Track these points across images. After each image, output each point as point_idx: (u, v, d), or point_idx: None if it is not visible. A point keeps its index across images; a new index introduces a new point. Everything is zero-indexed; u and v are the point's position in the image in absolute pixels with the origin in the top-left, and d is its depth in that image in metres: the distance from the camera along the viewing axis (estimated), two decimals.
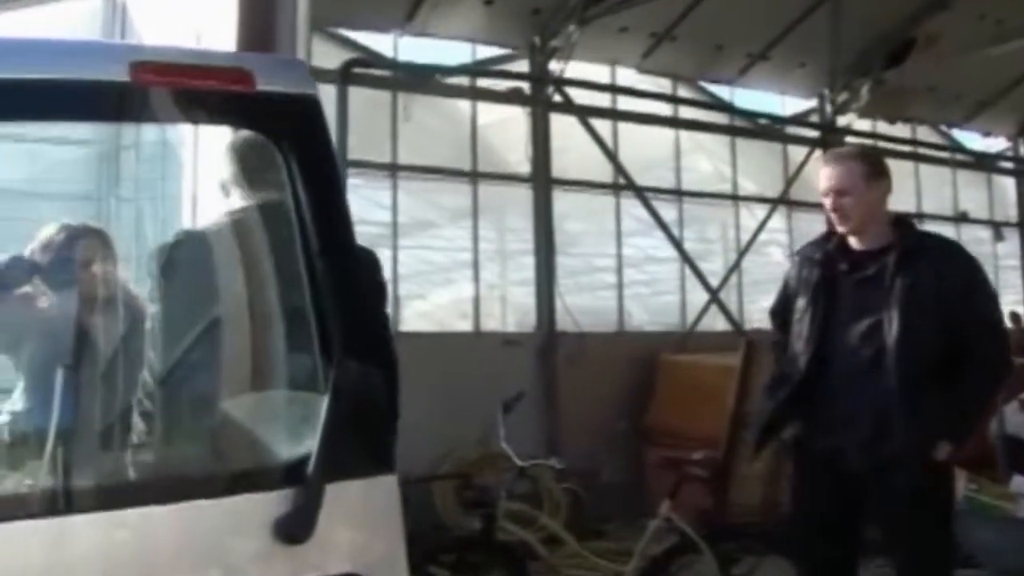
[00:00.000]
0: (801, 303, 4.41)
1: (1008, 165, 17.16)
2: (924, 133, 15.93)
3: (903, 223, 4.45)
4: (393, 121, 11.30)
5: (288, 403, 2.82)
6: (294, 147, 2.49)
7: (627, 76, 13.03)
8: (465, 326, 11.79)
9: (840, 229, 4.34)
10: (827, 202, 4.32)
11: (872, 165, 4.37)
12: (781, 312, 4.63)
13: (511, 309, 12.24)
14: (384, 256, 10.81)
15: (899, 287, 4.17)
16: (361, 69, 10.88)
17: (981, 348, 4.20)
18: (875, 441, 4.19)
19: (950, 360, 4.18)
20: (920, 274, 4.18)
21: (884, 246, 4.29)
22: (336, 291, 2.59)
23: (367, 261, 3.57)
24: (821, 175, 4.40)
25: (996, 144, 17.04)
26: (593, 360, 11.33)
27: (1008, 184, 17.16)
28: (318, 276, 2.58)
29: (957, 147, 16.37)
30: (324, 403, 2.56)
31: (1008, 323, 7.25)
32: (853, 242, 4.35)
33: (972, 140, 16.73)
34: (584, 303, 12.46)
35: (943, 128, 16.23)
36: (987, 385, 4.39)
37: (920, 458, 4.13)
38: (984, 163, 16.68)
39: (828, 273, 4.36)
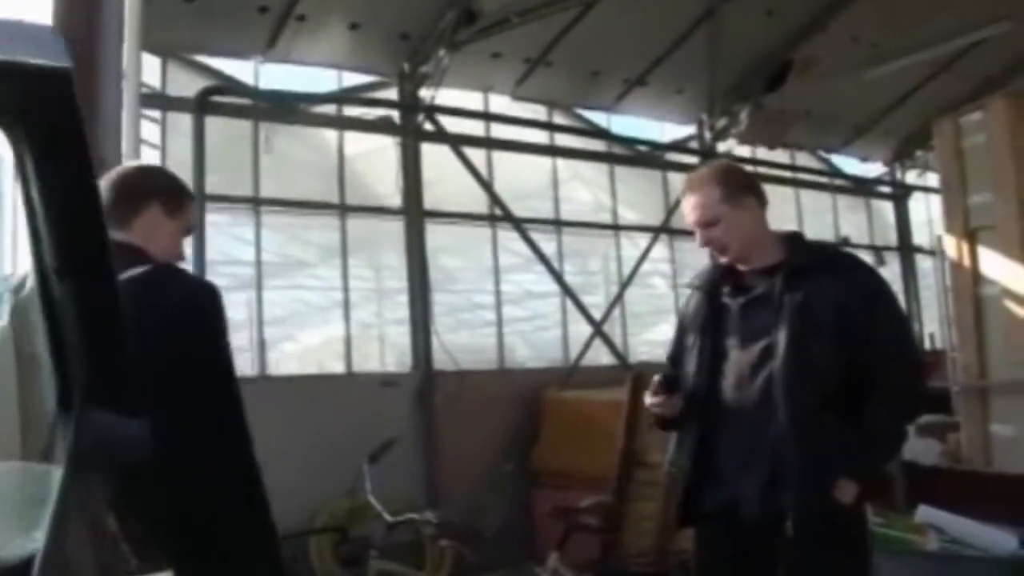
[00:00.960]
0: (690, 339, 4.08)
1: (886, 189, 17.29)
2: (803, 159, 15.94)
3: (794, 238, 4.11)
4: (255, 152, 10.81)
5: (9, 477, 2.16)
6: (33, 133, 1.81)
7: (501, 103, 12.73)
8: (340, 368, 11.28)
9: (724, 260, 4.04)
10: (698, 236, 4.00)
11: (730, 184, 3.97)
12: (678, 357, 4.22)
13: (389, 349, 11.82)
14: (248, 297, 10.46)
15: (788, 305, 3.79)
16: (219, 97, 10.48)
17: (888, 374, 3.77)
18: (772, 488, 3.77)
19: (853, 388, 3.77)
20: (813, 289, 3.79)
21: (773, 264, 3.94)
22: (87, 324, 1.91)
23: (199, 296, 2.99)
24: (683, 206, 4.07)
25: (873, 169, 17.20)
26: (474, 399, 11.01)
27: (886, 208, 17.27)
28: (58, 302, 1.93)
29: (836, 172, 16.45)
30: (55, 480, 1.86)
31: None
32: (741, 265, 4.03)
33: (850, 165, 16.87)
34: (463, 341, 12.12)
35: (821, 154, 16.27)
36: (896, 418, 3.93)
37: (821, 503, 3.69)
38: (863, 188, 16.80)
39: (715, 301, 4.03)
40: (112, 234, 2.36)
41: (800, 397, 3.70)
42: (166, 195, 3.33)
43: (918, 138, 16.34)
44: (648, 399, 4.00)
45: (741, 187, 3.98)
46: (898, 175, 17.31)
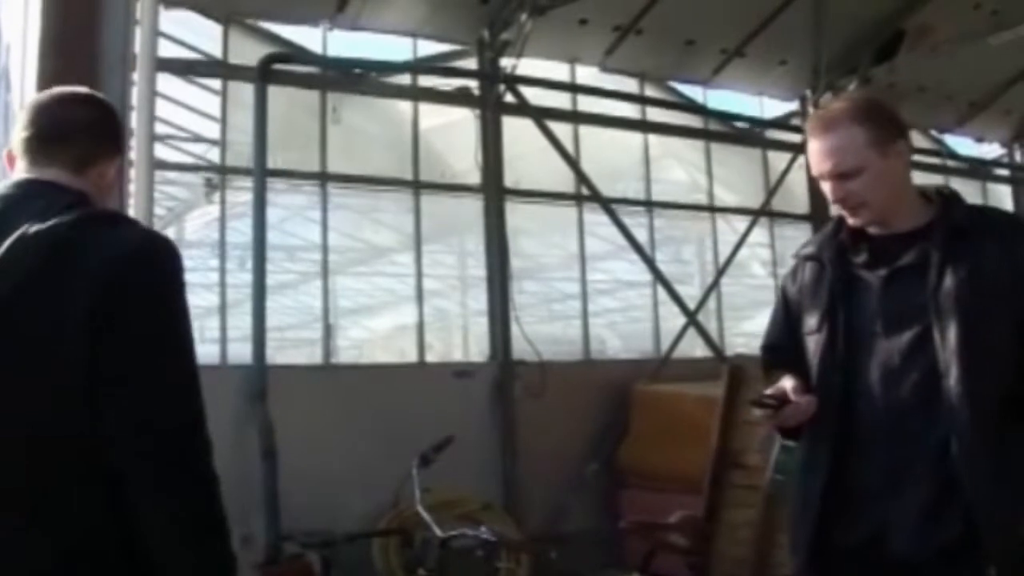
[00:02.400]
0: (812, 322, 3.20)
1: (1004, 172, 16.34)
2: (914, 139, 14.73)
3: (946, 195, 3.18)
4: (322, 125, 10.28)
5: None
6: None
7: (588, 74, 12.04)
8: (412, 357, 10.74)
9: (854, 222, 3.15)
10: (827, 189, 3.12)
11: (879, 124, 3.09)
12: (781, 344, 3.37)
13: (473, 340, 11.31)
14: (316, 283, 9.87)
15: (951, 281, 2.96)
16: (284, 66, 9.99)
17: None
18: (935, 516, 2.95)
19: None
20: (982, 260, 2.96)
21: (920, 226, 3.09)
22: None
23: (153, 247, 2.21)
24: (811, 153, 3.15)
25: (991, 150, 16.25)
26: (557, 392, 10.50)
27: (1004, 193, 16.29)
28: None
29: (950, 153, 15.54)
30: None
31: None
32: (873, 228, 3.15)
33: (964, 146, 15.92)
34: (547, 330, 11.64)
35: (934, 133, 15.40)
36: None
37: (1010, 538, 2.89)
38: (979, 171, 15.86)
39: (844, 273, 3.16)
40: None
41: (983, 398, 2.90)
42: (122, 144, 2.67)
43: None
44: (757, 413, 3.17)
45: (892, 128, 3.11)
46: (1017, 157, 16.35)
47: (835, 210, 3.18)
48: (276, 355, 9.72)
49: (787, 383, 3.09)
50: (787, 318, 3.33)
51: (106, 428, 2.03)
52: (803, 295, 3.28)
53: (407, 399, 9.57)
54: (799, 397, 3.04)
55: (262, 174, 9.49)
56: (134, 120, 4.86)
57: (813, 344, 3.18)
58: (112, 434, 2.03)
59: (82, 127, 2.42)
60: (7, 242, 2.08)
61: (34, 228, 2.10)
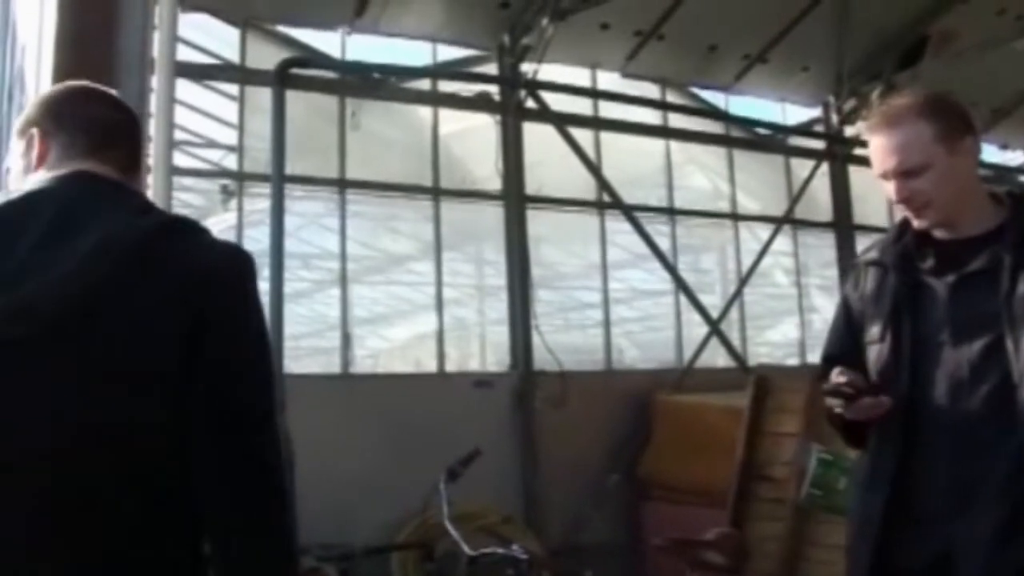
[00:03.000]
0: (874, 331, 3.03)
1: None
2: None
3: (1016, 196, 2.99)
4: (340, 130, 10.17)
5: None
6: None
7: (610, 80, 11.94)
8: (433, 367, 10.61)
9: (919, 224, 2.97)
10: (891, 188, 2.94)
11: (947, 120, 2.91)
12: (842, 354, 3.13)
13: (491, 349, 11.17)
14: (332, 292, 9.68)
15: None
16: (302, 70, 9.85)
17: None
18: (1009, 538, 2.74)
19: None
20: None
21: (990, 230, 2.90)
22: None
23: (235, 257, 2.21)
24: (874, 149, 2.96)
25: (1014, 158, 16.13)
26: (578, 402, 10.37)
27: None
28: None
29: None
30: None
31: None
32: (939, 231, 2.97)
33: (988, 154, 15.63)
34: (568, 340, 11.43)
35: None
36: None
37: None
38: (1003, 178, 15.48)
39: (909, 279, 2.98)
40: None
41: None
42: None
43: None
44: (833, 400, 2.93)
45: (960, 124, 2.93)
46: None
47: (899, 212, 3.05)
48: (291, 364, 9.59)
49: (855, 377, 2.94)
50: (849, 327, 3.16)
51: (195, 416, 2.02)
52: (865, 302, 3.12)
53: (426, 409, 9.43)
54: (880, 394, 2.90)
55: (280, 180, 9.34)
56: (152, 126, 4.72)
57: (875, 354, 3.03)
58: (201, 419, 2.02)
59: (129, 127, 2.37)
60: (93, 240, 2.01)
61: (120, 229, 2.05)
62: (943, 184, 2.89)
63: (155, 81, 4.77)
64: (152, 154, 4.63)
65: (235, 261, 2.17)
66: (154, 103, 4.75)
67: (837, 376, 2.90)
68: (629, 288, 12.38)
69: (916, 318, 2.95)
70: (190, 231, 2.18)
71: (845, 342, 3.16)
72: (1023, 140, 15.82)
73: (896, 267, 3.03)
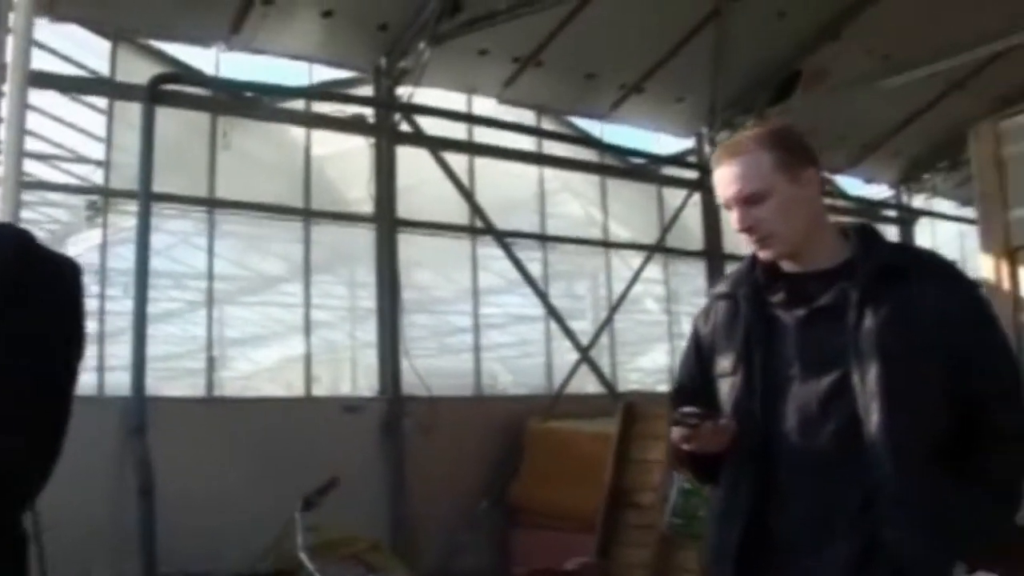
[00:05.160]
0: (726, 363, 3.08)
1: (892, 213, 16.83)
2: None
3: (865, 231, 3.07)
4: (211, 149, 10.05)
5: None
6: None
7: (486, 106, 12.04)
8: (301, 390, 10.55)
9: (764, 255, 3.03)
10: (734, 218, 3.01)
11: (788, 149, 2.98)
12: (692, 387, 3.21)
13: (362, 374, 11.07)
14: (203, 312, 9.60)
15: (872, 322, 2.84)
16: (174, 86, 9.73)
17: (1002, 415, 2.88)
18: (862, 568, 2.83)
19: (957, 433, 2.88)
20: (903, 299, 2.87)
21: (838, 265, 2.98)
22: None
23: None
24: (717, 180, 3.04)
25: (879, 192, 16.78)
26: (448, 428, 10.40)
27: (891, 233, 16.48)
28: None
29: (840, 193, 15.94)
30: None
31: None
32: (787, 263, 3.04)
33: (855, 187, 16.43)
34: (440, 365, 11.50)
35: (826, 174, 15.33)
36: (1017, 471, 3.00)
37: None
38: (868, 211, 16.25)
39: (761, 313, 3.03)
40: None
41: (906, 444, 2.80)
42: None
43: (927, 160, 16.12)
44: (676, 432, 2.94)
45: (801, 154, 2.99)
46: (904, 199, 16.89)
47: (745, 244, 3.07)
48: (162, 386, 9.54)
49: (688, 408, 2.95)
50: (699, 359, 3.21)
51: None
52: (716, 335, 3.16)
53: (293, 434, 9.37)
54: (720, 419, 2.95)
55: (147, 198, 9.19)
56: (2, 133, 4.63)
57: (728, 386, 3.08)
58: None
59: None
60: None
61: None
62: (785, 214, 2.95)
63: (7, 87, 4.69)
64: (1, 163, 4.54)
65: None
66: (4, 109, 4.66)
67: (682, 410, 2.93)
68: (504, 313, 12.49)
69: (767, 352, 2.99)
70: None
71: (695, 374, 3.21)
72: (888, 174, 16.49)
73: (747, 300, 3.07)
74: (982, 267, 7.67)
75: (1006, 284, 7.34)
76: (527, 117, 12.41)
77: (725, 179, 2.98)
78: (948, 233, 16.97)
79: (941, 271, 3.01)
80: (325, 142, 10.84)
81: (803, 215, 2.97)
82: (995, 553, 2.95)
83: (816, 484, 2.87)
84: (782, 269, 3.05)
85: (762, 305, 3.04)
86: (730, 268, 12.70)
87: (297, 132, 10.74)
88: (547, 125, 12.63)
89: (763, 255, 3.02)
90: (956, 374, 2.85)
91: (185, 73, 9.94)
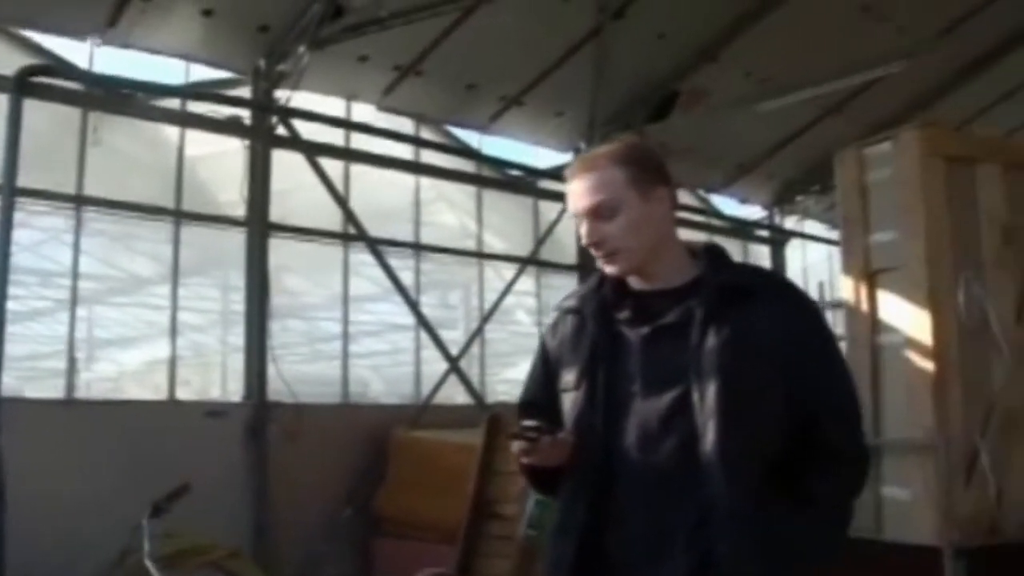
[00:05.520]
0: (570, 378, 3.19)
1: (764, 233, 17.50)
2: (682, 197, 15.42)
3: (713, 251, 3.26)
4: (81, 145, 10.12)
5: None
6: None
7: (365, 112, 12.36)
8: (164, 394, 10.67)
9: (610, 270, 3.17)
10: (583, 232, 3.15)
11: (640, 166, 3.13)
12: (538, 401, 3.34)
13: (233, 378, 11.22)
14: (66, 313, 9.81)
15: (714, 341, 2.99)
16: (44, 78, 9.73)
17: (839, 437, 3.09)
18: None
19: (793, 453, 3.05)
20: (746, 320, 3.02)
21: (686, 283, 3.14)
22: None
23: None
24: (570, 193, 3.18)
25: (752, 212, 17.43)
26: (313, 436, 10.60)
27: (763, 253, 17.42)
28: None
29: (715, 212, 16.60)
30: None
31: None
32: (635, 281, 3.20)
33: (729, 207, 17.08)
34: (309, 371, 11.83)
35: (701, 193, 16.41)
36: (849, 492, 3.19)
37: None
38: (742, 231, 16.94)
39: (607, 329, 3.17)
40: None
41: (740, 462, 2.95)
42: None
43: (800, 182, 16.84)
44: (516, 446, 3.06)
45: (654, 172, 3.15)
46: (776, 220, 17.62)
47: (598, 259, 3.17)
48: (25, 386, 9.56)
49: (527, 422, 3.05)
50: (545, 373, 3.29)
51: None
52: (563, 349, 3.25)
53: (157, 438, 9.39)
54: (559, 432, 3.03)
55: (11, 193, 9.17)
56: None
57: (570, 402, 3.16)
58: None
59: None
60: None
61: None
62: (634, 230, 3.06)
63: None
64: None
65: None
66: None
67: (523, 423, 3.01)
68: (377, 321, 12.80)
69: (611, 368, 3.08)
70: None
71: (541, 388, 3.30)
72: (762, 195, 17.15)
73: (594, 317, 3.17)
74: (843, 289, 7.93)
75: (865, 306, 7.56)
76: (406, 125, 12.72)
77: (577, 192, 3.11)
78: (818, 254, 17.78)
79: (784, 292, 3.18)
80: (199, 142, 10.95)
81: (652, 232, 3.10)
82: (824, 573, 3.08)
83: (654, 500, 2.97)
84: (630, 286, 3.18)
85: (608, 322, 3.14)
86: None
87: (171, 131, 10.84)
88: (426, 134, 12.92)
89: (609, 270, 3.14)
90: (795, 395, 2.98)
91: (56, 66, 9.96)
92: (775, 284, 3.27)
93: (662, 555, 2.95)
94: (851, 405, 3.18)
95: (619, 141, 3.27)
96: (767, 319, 3.01)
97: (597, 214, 3.08)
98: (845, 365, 3.24)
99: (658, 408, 3.02)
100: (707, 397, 2.94)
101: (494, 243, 13.73)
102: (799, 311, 3.14)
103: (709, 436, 2.92)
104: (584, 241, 3.14)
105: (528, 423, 3.01)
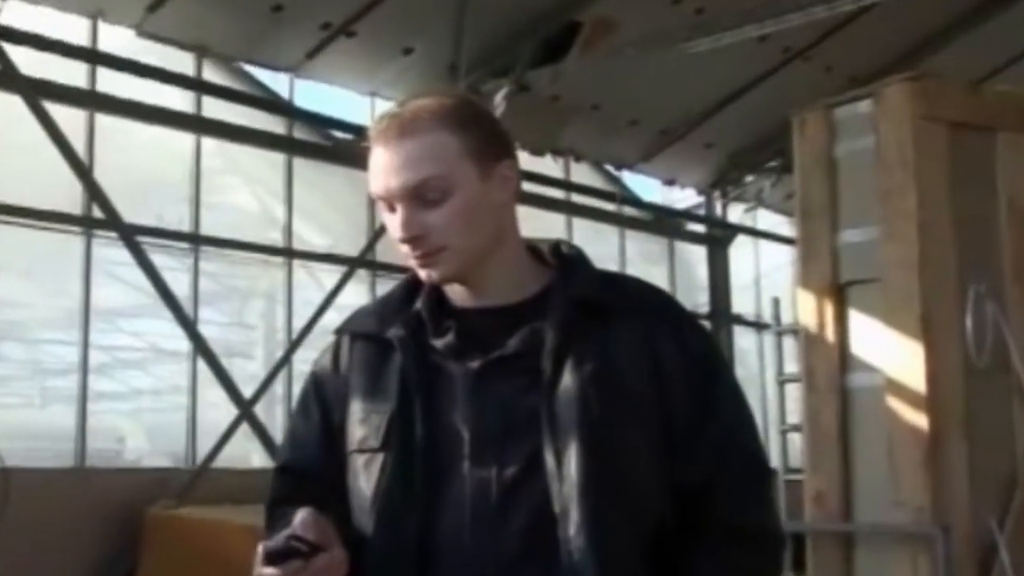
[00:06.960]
0: (364, 433, 2.88)
1: (699, 228, 17.39)
2: (582, 174, 15.80)
3: (565, 253, 3.00)
4: None
5: None
6: None
7: (119, 39, 11.73)
8: None
9: (427, 277, 2.86)
10: (394, 223, 2.82)
11: (483, 133, 2.85)
12: (307, 469, 3.00)
13: None
14: None
15: (572, 379, 2.76)
16: None
17: (737, 506, 2.92)
18: None
19: (676, 524, 2.89)
20: (613, 349, 2.82)
21: (529, 298, 2.89)
22: None
23: None
24: (375, 164, 2.80)
25: (682, 198, 17.27)
26: (29, 514, 10.07)
27: (697, 256, 17.38)
28: None
29: (629, 197, 16.40)
30: None
31: None
32: (460, 295, 2.91)
33: (649, 189, 16.95)
34: (30, 419, 11.57)
35: (610, 169, 16.25)
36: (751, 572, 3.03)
37: None
38: (666, 223, 16.88)
39: (421, 363, 2.87)
40: None
41: (616, 551, 2.79)
42: None
43: (750, 156, 16.51)
44: (269, 573, 2.62)
45: (496, 142, 2.88)
46: (717, 209, 17.38)
47: (409, 260, 2.85)
48: None
49: (311, 517, 2.66)
50: (323, 426, 2.98)
51: None
52: (352, 392, 2.95)
53: None
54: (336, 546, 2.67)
55: None
56: None
57: (367, 468, 2.88)
58: None
59: None
60: None
61: None
62: (468, 220, 2.81)
63: None
64: None
65: None
66: None
67: (298, 525, 2.59)
68: (137, 346, 12.57)
69: (429, 418, 2.84)
70: None
71: (314, 449, 3.00)
72: (696, 174, 16.91)
73: (403, 345, 2.89)
74: (800, 308, 7.77)
75: (830, 333, 7.35)
76: (182, 61, 12.21)
77: (389, 165, 2.77)
78: (775, 259, 17.54)
79: (666, 311, 3.01)
80: None
81: (489, 225, 2.86)
82: None
83: None
84: (451, 302, 2.92)
85: (423, 352, 2.88)
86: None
87: None
88: (210, 75, 12.53)
89: (425, 276, 2.85)
90: (679, 449, 2.88)
91: None
92: (653, 299, 3.09)
93: None
94: (754, 464, 3.08)
95: (447, 94, 2.99)
96: (635, 344, 2.88)
97: (419, 196, 2.79)
98: (747, 408, 3.12)
99: (497, 475, 2.84)
100: (567, 460, 2.80)
101: (310, 236, 13.54)
102: (686, 336, 2.99)
103: (573, 515, 2.78)
104: (398, 235, 2.84)
105: (295, 534, 2.61)
